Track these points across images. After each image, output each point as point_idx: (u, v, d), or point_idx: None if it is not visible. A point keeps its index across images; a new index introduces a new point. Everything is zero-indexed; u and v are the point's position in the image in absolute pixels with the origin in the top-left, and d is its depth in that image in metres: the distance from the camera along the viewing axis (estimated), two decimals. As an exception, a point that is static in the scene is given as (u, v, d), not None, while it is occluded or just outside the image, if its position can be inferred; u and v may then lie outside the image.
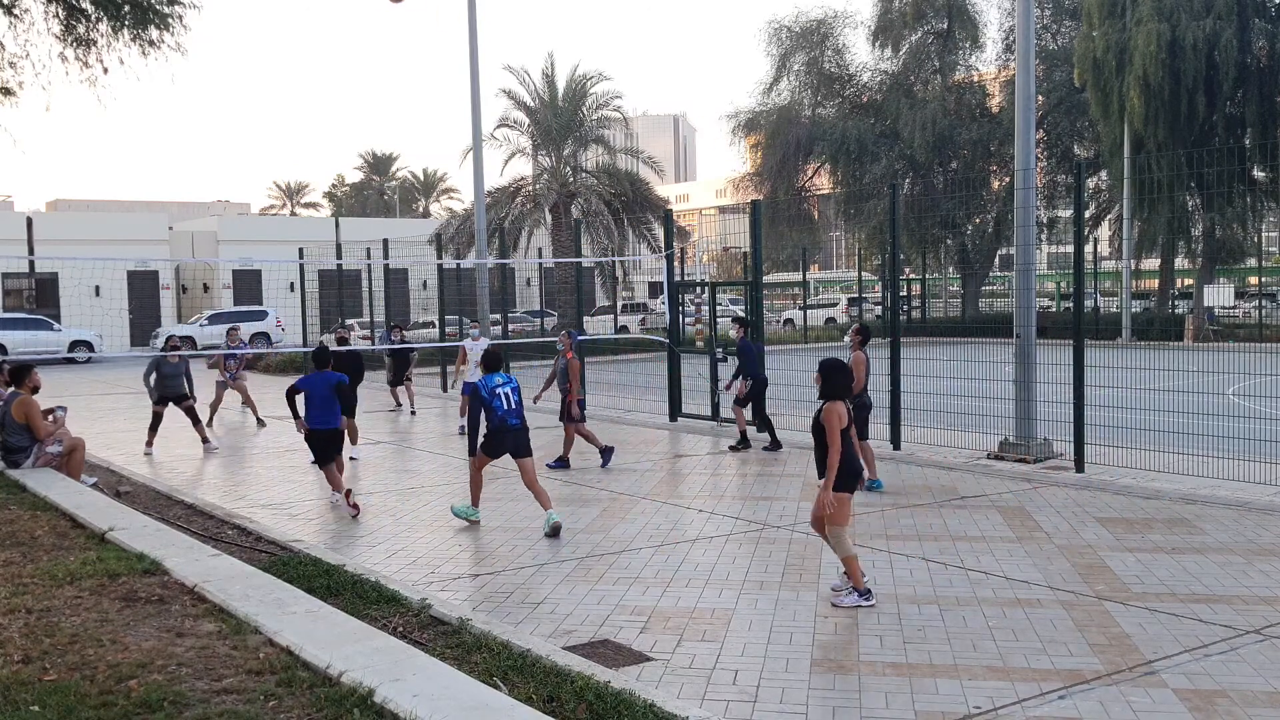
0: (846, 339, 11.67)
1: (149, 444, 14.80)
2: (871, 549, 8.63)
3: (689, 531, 9.39)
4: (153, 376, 15.06)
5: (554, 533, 9.23)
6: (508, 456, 9.78)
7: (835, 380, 7.33)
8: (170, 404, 15.04)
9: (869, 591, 7.21)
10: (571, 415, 13.00)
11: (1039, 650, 6.23)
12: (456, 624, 6.47)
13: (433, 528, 9.81)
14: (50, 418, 12.07)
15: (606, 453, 13.12)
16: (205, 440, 15.06)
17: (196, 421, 15.07)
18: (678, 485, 11.75)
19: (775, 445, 13.86)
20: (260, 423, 17.80)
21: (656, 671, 5.99)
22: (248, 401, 18.27)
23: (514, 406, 9.70)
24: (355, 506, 10.38)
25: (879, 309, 43.86)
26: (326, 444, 10.77)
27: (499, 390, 9.70)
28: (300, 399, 10.74)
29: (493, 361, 9.88)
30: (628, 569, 8.16)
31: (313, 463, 11.39)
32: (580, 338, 19.54)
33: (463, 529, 9.73)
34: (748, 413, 14.02)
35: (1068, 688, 5.66)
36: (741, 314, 16.52)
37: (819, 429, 7.25)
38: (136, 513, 9.72)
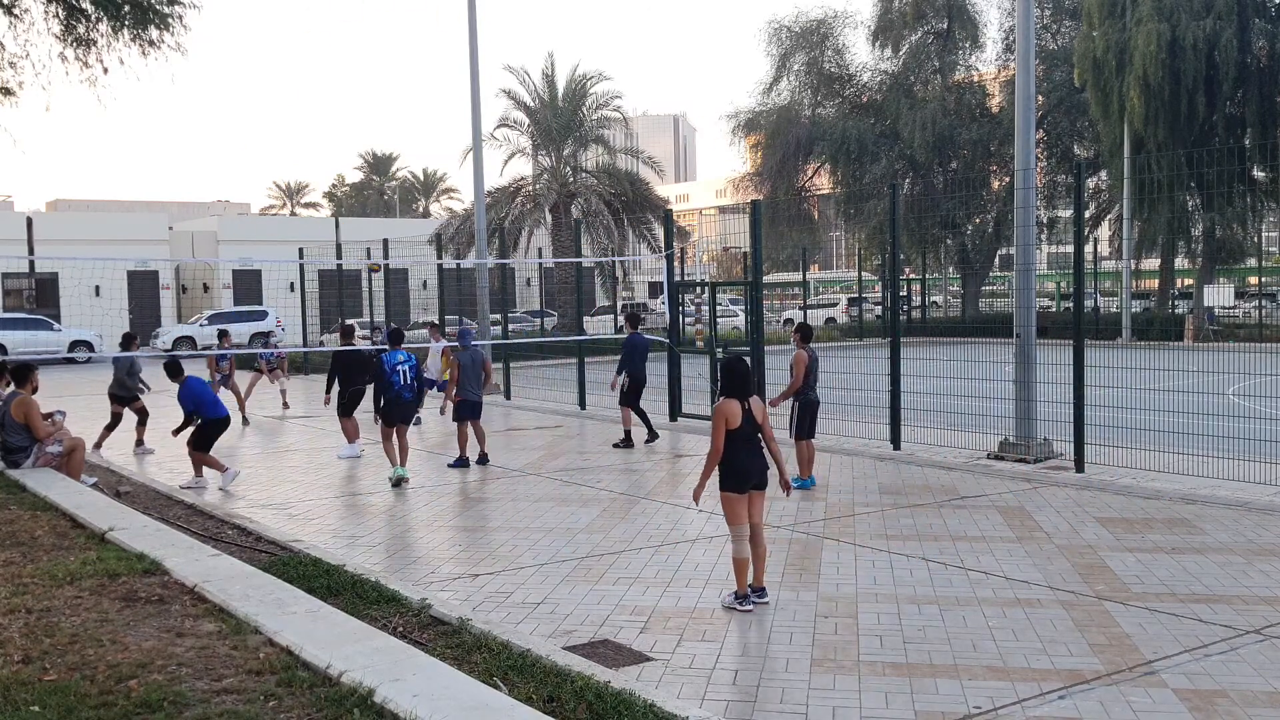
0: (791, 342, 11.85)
1: (100, 444, 14.74)
2: (872, 549, 8.64)
3: (689, 531, 9.39)
4: (130, 376, 15.13)
5: (396, 484, 11.60)
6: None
7: (729, 379, 7.22)
8: (127, 405, 15.06)
9: (747, 598, 7.06)
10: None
11: (1039, 650, 6.23)
12: (456, 624, 6.47)
13: (433, 528, 9.81)
14: (49, 421, 12.06)
15: (626, 440, 14.31)
16: (141, 442, 15.02)
17: (143, 423, 15.09)
18: (678, 485, 11.75)
19: (651, 436, 14.73)
20: (245, 421, 17.86)
21: (656, 671, 5.99)
22: (241, 403, 18.38)
23: (409, 381, 11.98)
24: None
25: (879, 309, 43.89)
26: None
27: (399, 367, 11.93)
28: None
29: (395, 338, 12.26)
30: (628, 569, 8.16)
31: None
32: (581, 337, 19.56)
33: (463, 529, 9.73)
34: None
35: (1068, 688, 5.66)
36: (634, 310, 17.46)
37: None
38: (136, 513, 9.72)
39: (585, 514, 10.16)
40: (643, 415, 14.63)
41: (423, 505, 10.92)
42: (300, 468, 13.44)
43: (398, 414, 12.04)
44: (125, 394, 15.08)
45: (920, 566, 8.08)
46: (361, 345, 15.64)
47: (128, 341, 15.50)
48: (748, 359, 7.83)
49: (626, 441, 14.36)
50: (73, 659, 5.74)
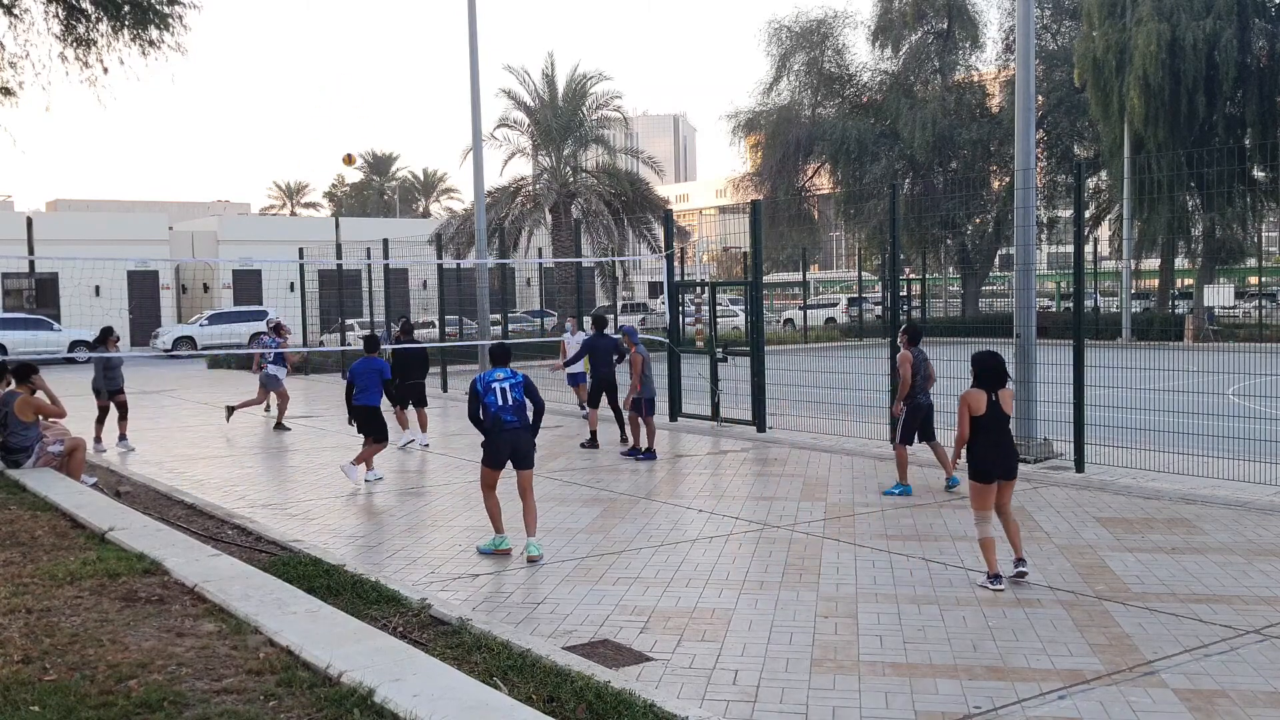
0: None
1: (98, 437, 14.85)
2: (872, 549, 8.64)
3: (689, 531, 9.39)
4: (104, 372, 15.19)
5: (531, 561, 8.46)
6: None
7: (980, 370, 7.64)
8: (110, 396, 15.15)
9: (999, 577, 7.48)
10: (628, 405, 13.74)
11: (1039, 650, 6.23)
12: (456, 624, 6.47)
13: (433, 528, 9.81)
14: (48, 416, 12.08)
15: (639, 453, 13.53)
16: (124, 437, 15.04)
17: (125, 417, 15.16)
18: (678, 485, 11.75)
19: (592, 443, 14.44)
20: (228, 412, 17.74)
21: (656, 671, 5.99)
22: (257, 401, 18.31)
23: (510, 403, 8.70)
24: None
25: (879, 309, 43.87)
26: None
27: (495, 385, 8.76)
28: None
29: (496, 355, 9.13)
30: (628, 569, 8.16)
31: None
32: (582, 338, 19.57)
33: (463, 529, 9.73)
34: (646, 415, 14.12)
35: (1068, 688, 5.66)
36: (601, 313, 17.84)
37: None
38: (136, 513, 9.72)
39: (585, 514, 10.16)
40: (618, 417, 14.63)
41: (423, 505, 10.92)
42: (300, 468, 13.45)
43: (502, 447, 8.74)
44: (111, 387, 15.17)
45: (920, 566, 8.08)
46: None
47: (104, 336, 15.52)
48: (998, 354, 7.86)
49: (592, 442, 14.43)
50: (73, 659, 5.74)
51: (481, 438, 8.85)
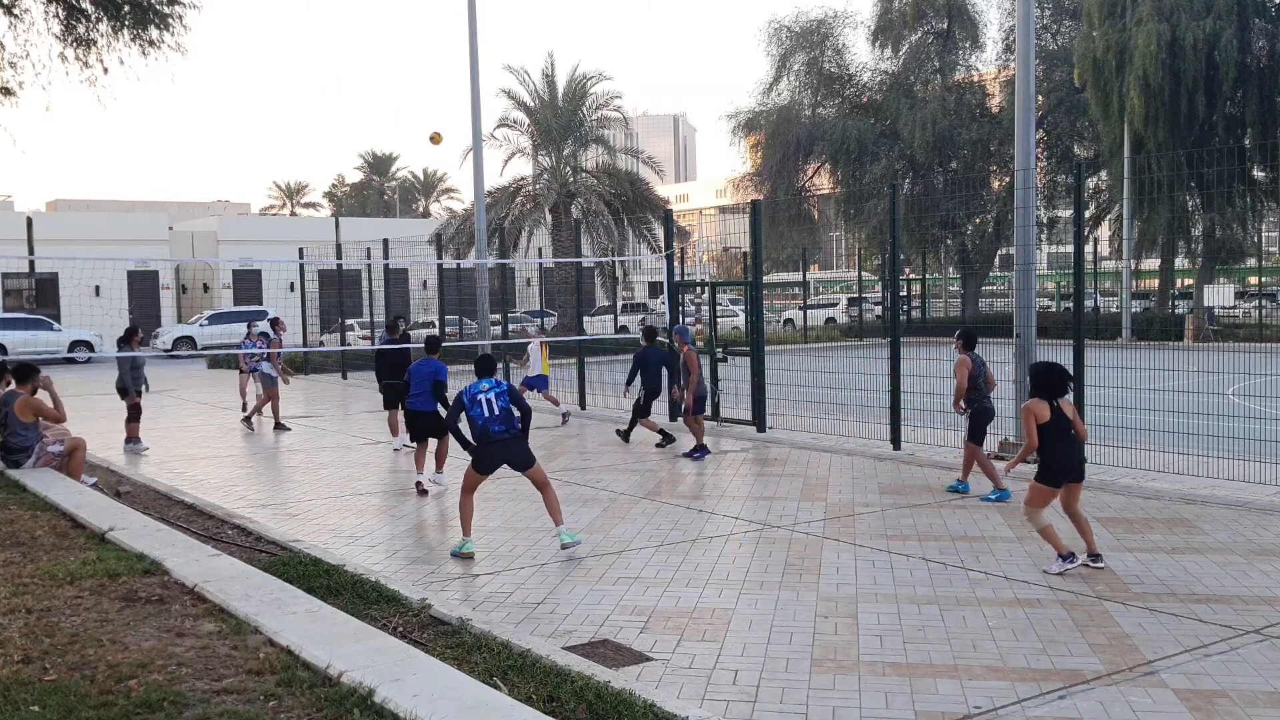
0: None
1: (132, 436, 14.84)
2: (872, 549, 8.64)
3: (689, 531, 9.39)
4: (131, 372, 15.12)
5: (565, 548, 8.60)
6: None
7: (1038, 381, 7.98)
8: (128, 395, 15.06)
9: (1072, 555, 7.77)
10: (685, 408, 13.76)
11: (1039, 650, 6.23)
12: (456, 624, 6.47)
13: (433, 528, 9.81)
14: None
15: (701, 451, 13.49)
16: (134, 439, 15.02)
17: (136, 419, 15.09)
18: (678, 485, 11.75)
19: (626, 438, 14.71)
20: (248, 424, 17.58)
21: (656, 671, 5.99)
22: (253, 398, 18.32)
23: (497, 412, 8.70)
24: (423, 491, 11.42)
25: (879, 309, 43.87)
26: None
27: (480, 396, 8.76)
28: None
29: (481, 366, 9.16)
30: (628, 569, 8.16)
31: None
32: (581, 338, 19.55)
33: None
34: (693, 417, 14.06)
35: (1068, 688, 5.66)
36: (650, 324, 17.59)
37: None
38: (136, 513, 9.72)
39: (585, 514, 10.16)
40: (632, 425, 14.71)
41: (423, 505, 10.92)
42: (300, 468, 13.45)
43: (496, 454, 8.75)
44: (136, 387, 15.07)
45: (920, 566, 8.08)
46: (363, 345, 15.60)
47: (129, 336, 15.32)
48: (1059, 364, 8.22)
49: (667, 439, 14.31)
50: (73, 659, 5.74)
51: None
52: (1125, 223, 35.72)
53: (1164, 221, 34.37)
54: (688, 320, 17.77)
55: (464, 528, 8.86)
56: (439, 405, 11.28)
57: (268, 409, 18.25)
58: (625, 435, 14.84)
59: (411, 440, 12.00)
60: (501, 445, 8.72)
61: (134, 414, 14.93)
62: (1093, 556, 7.91)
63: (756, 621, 6.86)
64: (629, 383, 14.47)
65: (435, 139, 18.39)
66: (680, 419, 14.17)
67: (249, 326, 19.12)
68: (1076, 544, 7.96)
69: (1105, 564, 7.90)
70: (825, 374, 18.20)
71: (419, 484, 11.53)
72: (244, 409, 18.50)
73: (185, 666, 5.60)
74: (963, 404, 10.75)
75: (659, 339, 15.00)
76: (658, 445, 14.29)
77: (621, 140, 40.86)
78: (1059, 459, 7.80)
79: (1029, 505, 7.89)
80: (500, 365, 16.70)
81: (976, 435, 10.68)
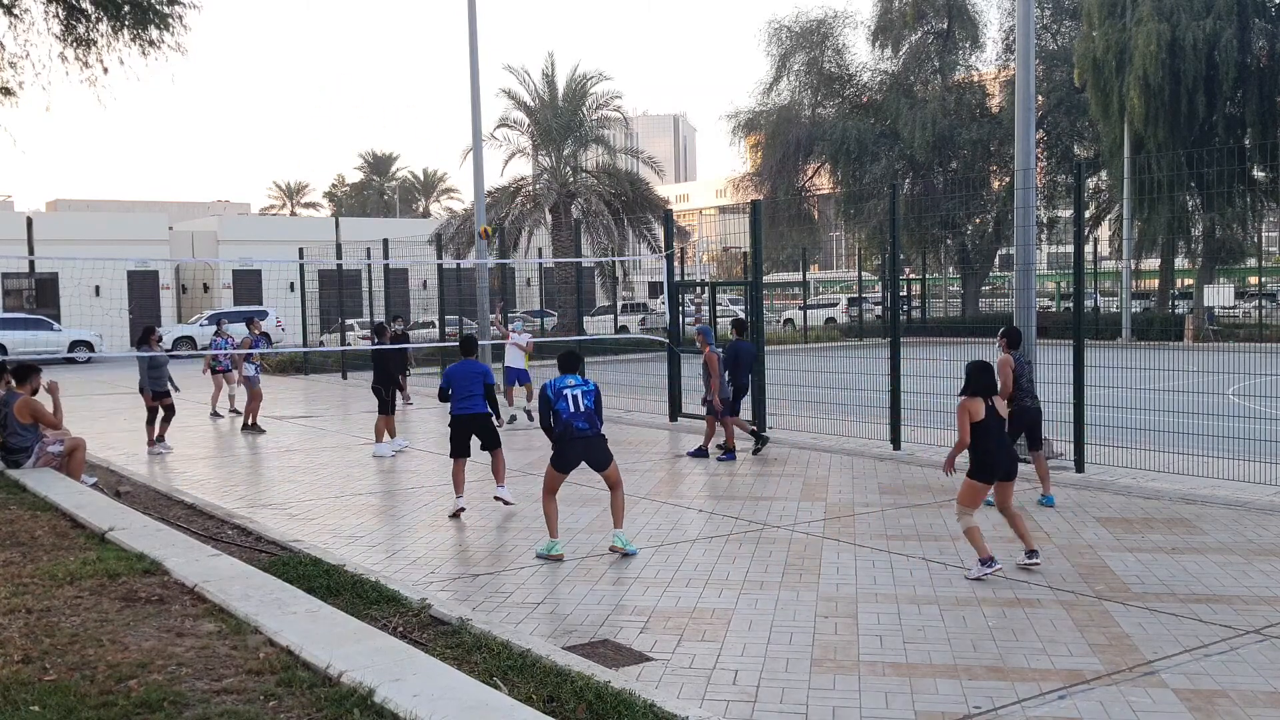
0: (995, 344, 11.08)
1: (151, 440, 14.82)
2: (872, 549, 8.64)
3: (689, 531, 9.39)
4: (150, 372, 15.10)
5: (614, 551, 8.57)
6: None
7: (974, 378, 7.94)
8: (156, 398, 15.04)
9: (991, 560, 7.74)
10: (714, 408, 13.37)
11: (1039, 650, 6.23)
12: (456, 624, 6.47)
13: (433, 528, 9.81)
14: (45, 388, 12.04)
15: (730, 453, 13.29)
16: (161, 439, 14.96)
17: (168, 420, 15.07)
18: (678, 485, 11.75)
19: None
20: (249, 430, 17.51)
21: (656, 671, 5.99)
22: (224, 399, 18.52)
23: (583, 409, 8.64)
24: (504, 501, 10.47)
25: (879, 309, 43.86)
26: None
27: (567, 391, 8.65)
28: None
29: (566, 361, 8.98)
30: (628, 569, 8.16)
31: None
32: (581, 338, 19.54)
33: (462, 529, 9.73)
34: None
35: (1068, 688, 5.66)
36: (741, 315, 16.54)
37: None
38: (136, 513, 9.72)
39: (585, 514, 10.16)
40: (740, 423, 13.85)
41: (423, 505, 10.91)
42: (300, 468, 13.44)
43: (577, 451, 8.67)
44: (158, 389, 15.01)
45: (920, 566, 8.08)
46: (363, 345, 15.53)
47: (145, 336, 15.32)
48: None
49: (761, 440, 13.77)
50: (73, 659, 5.74)
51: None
52: (1125, 223, 35.72)
53: (1164, 221, 34.37)
54: (687, 320, 17.75)
55: (550, 528, 8.70)
56: (490, 408, 10.43)
57: (234, 407, 18.34)
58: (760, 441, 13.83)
59: (454, 453, 10.35)
60: (585, 443, 8.67)
61: (151, 415, 14.93)
62: (1030, 554, 7.94)
63: (756, 621, 6.86)
64: (721, 381, 13.52)
65: (485, 234, 18.18)
66: (719, 420, 13.47)
67: (219, 325, 19.41)
68: (1003, 545, 7.91)
69: (1040, 561, 7.92)
70: (825, 374, 18.21)
71: (459, 510, 10.15)
72: (213, 407, 18.94)
73: (185, 666, 5.60)
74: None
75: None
76: (754, 451, 13.59)
77: (621, 140, 40.86)
78: (991, 456, 7.81)
79: (960, 503, 7.88)
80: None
81: (1033, 438, 10.29)
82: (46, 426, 11.78)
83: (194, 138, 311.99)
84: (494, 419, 10.49)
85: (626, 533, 8.85)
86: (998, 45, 44.33)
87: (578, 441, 8.65)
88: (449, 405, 10.36)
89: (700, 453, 13.48)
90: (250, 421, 17.01)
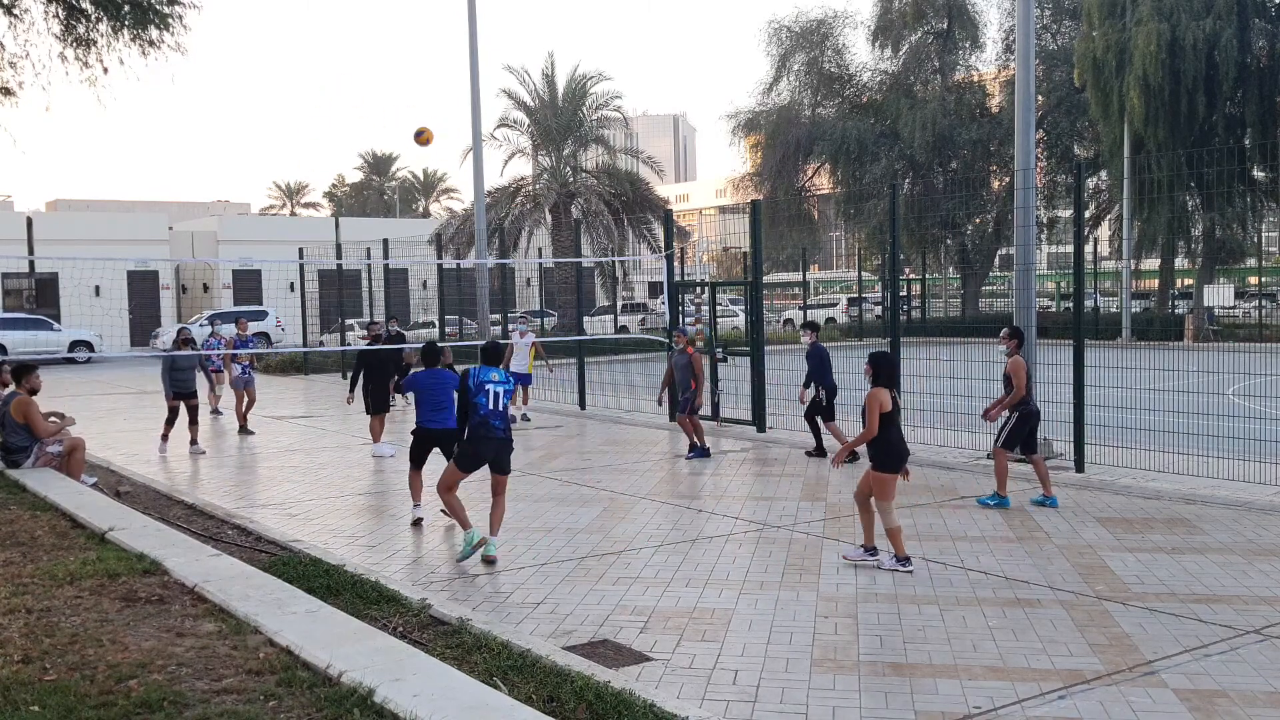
0: (1001, 346, 10.63)
1: (165, 438, 14.81)
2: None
3: (689, 531, 9.39)
4: (169, 373, 15.06)
5: (487, 562, 8.28)
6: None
7: (879, 370, 8.20)
8: (183, 401, 14.97)
9: (909, 560, 7.97)
10: (693, 407, 13.42)
11: (1039, 650, 6.23)
12: (456, 624, 6.47)
13: (433, 528, 9.80)
14: (51, 419, 12.05)
15: (700, 450, 13.34)
16: (194, 442, 14.95)
17: (195, 422, 15.03)
18: (678, 485, 11.74)
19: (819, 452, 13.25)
20: (242, 431, 17.42)
21: (656, 671, 5.99)
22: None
23: (500, 409, 8.40)
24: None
25: (879, 309, 43.85)
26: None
27: (489, 387, 8.34)
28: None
29: (490, 354, 8.69)
30: (628, 569, 8.16)
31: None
32: (581, 338, 19.54)
33: (463, 529, 9.71)
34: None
35: (1068, 688, 5.66)
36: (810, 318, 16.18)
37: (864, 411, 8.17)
38: (136, 513, 9.71)
39: (585, 514, 10.16)
40: (815, 429, 13.31)
41: (423, 506, 10.89)
42: (300, 468, 13.44)
43: (483, 452, 8.47)
44: (180, 390, 14.96)
45: (920, 566, 8.07)
46: (362, 345, 15.50)
47: (176, 337, 15.85)
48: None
49: (818, 450, 13.23)
50: (73, 659, 5.74)
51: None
52: (1125, 223, 35.70)
53: (1164, 221, 34.35)
54: (687, 320, 17.76)
55: (462, 523, 8.56)
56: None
57: (215, 407, 18.36)
58: (819, 450, 13.31)
59: (413, 464, 9.94)
60: (498, 445, 8.48)
61: (171, 416, 14.88)
62: (869, 550, 8.12)
63: (756, 621, 6.86)
64: (807, 384, 13.13)
65: (424, 139, 16.96)
66: (678, 419, 13.68)
67: (213, 325, 19.47)
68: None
69: (877, 562, 8.02)
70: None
71: (418, 520, 9.83)
72: (214, 405, 18.98)
73: (185, 666, 5.59)
74: (1001, 410, 10.20)
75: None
76: (809, 453, 13.27)
77: (621, 140, 40.87)
78: (896, 446, 8.00)
79: (881, 500, 8.01)
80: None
81: (1012, 440, 10.13)
82: (35, 430, 11.69)
83: (194, 138, 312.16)
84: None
85: (625, 533, 8.85)
86: (998, 45, 44.35)
87: (491, 442, 8.42)
88: (415, 410, 9.84)
89: (701, 452, 13.44)
90: (241, 423, 17.04)
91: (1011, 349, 10.33)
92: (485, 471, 8.72)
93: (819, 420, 13.17)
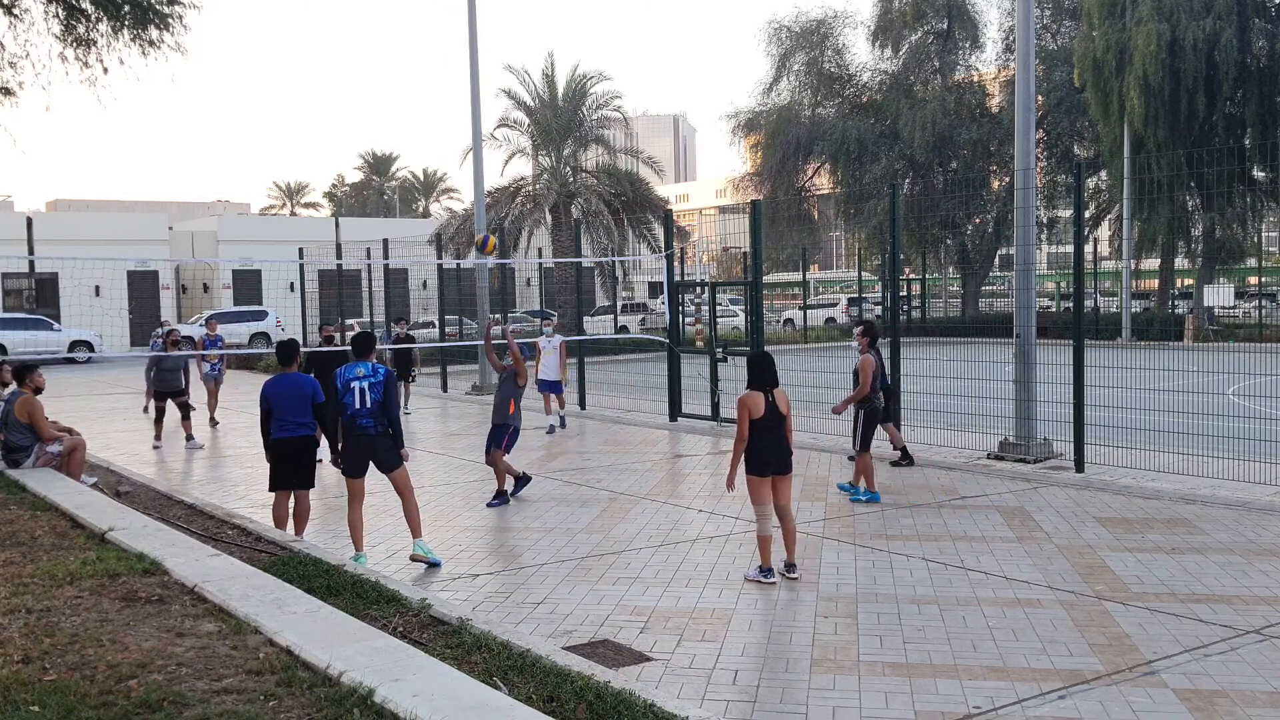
0: (854, 342, 11.09)
1: (157, 437, 14.88)
2: (872, 549, 8.64)
3: (689, 531, 9.39)
4: (153, 371, 15.18)
5: (414, 560, 8.12)
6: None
7: (754, 371, 7.93)
8: (168, 398, 15.13)
9: (771, 570, 7.72)
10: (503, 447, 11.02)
11: (1039, 650, 6.23)
12: (456, 624, 6.47)
13: (433, 528, 9.80)
14: (54, 424, 12.09)
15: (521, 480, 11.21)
16: (190, 437, 15.03)
17: (187, 418, 15.11)
18: (678, 485, 11.74)
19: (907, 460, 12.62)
20: (212, 424, 17.55)
21: (656, 671, 5.99)
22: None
23: (369, 405, 7.97)
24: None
25: (879, 309, 43.85)
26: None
27: (355, 384, 7.92)
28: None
29: (358, 344, 8.13)
30: (628, 569, 8.16)
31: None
32: (581, 338, 19.52)
33: (463, 529, 9.73)
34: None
35: (1068, 688, 5.66)
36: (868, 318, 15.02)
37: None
38: (136, 513, 9.71)
39: (585, 514, 10.16)
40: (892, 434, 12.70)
41: (422, 506, 10.88)
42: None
43: (357, 453, 8.18)
44: (164, 388, 15.23)
45: (920, 566, 8.08)
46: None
47: (164, 335, 16.03)
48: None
49: (906, 457, 12.55)
50: (73, 659, 5.74)
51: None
52: (1125, 223, 35.71)
53: (1164, 221, 34.36)
54: (687, 320, 17.76)
55: (355, 542, 8.32)
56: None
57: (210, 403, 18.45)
58: (907, 456, 12.63)
59: (272, 485, 8.88)
60: (368, 442, 8.12)
61: (159, 414, 15.05)
62: (789, 566, 7.84)
63: (756, 621, 6.86)
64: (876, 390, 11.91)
65: (489, 249, 16.49)
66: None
67: (208, 324, 19.58)
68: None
69: (800, 575, 7.79)
70: (825, 374, 18.19)
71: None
72: (211, 416, 18.79)
73: (185, 666, 5.59)
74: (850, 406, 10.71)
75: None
76: (894, 464, 12.51)
77: (621, 140, 40.84)
78: (760, 453, 7.74)
79: (754, 504, 7.87)
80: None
81: (868, 441, 10.57)
82: (39, 431, 11.71)
83: (194, 138, 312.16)
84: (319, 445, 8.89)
85: (625, 533, 8.85)
86: (998, 45, 44.37)
87: (360, 439, 8.08)
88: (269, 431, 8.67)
89: (515, 489, 11.04)
90: (210, 416, 17.38)
91: (863, 346, 10.71)
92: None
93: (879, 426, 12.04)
